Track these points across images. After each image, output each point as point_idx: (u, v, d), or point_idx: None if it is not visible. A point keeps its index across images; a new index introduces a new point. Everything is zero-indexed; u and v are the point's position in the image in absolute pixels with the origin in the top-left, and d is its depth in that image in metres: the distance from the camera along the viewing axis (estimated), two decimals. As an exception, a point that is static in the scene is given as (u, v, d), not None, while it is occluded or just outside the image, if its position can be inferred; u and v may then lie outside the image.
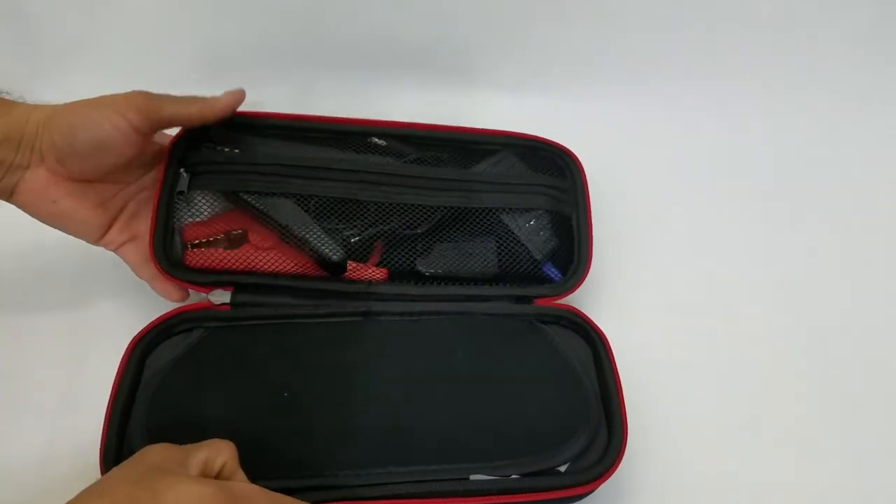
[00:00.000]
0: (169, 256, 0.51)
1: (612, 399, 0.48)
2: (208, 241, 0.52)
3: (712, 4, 0.65)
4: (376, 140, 0.57)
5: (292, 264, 0.53)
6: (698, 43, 0.67)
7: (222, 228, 0.53)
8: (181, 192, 0.53)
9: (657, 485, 0.50)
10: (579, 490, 0.45)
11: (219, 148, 0.54)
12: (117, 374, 0.47)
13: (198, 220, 0.53)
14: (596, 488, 0.45)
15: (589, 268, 0.54)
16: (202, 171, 0.53)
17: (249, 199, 0.53)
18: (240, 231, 0.53)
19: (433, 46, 0.67)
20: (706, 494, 0.50)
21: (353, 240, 0.53)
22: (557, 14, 0.66)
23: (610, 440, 0.46)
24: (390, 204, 0.54)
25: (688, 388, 0.55)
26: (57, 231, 0.50)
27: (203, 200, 0.53)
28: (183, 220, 0.53)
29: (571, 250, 0.56)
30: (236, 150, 0.54)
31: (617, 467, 0.45)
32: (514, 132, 0.59)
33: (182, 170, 0.53)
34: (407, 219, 0.54)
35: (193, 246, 0.52)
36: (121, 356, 0.47)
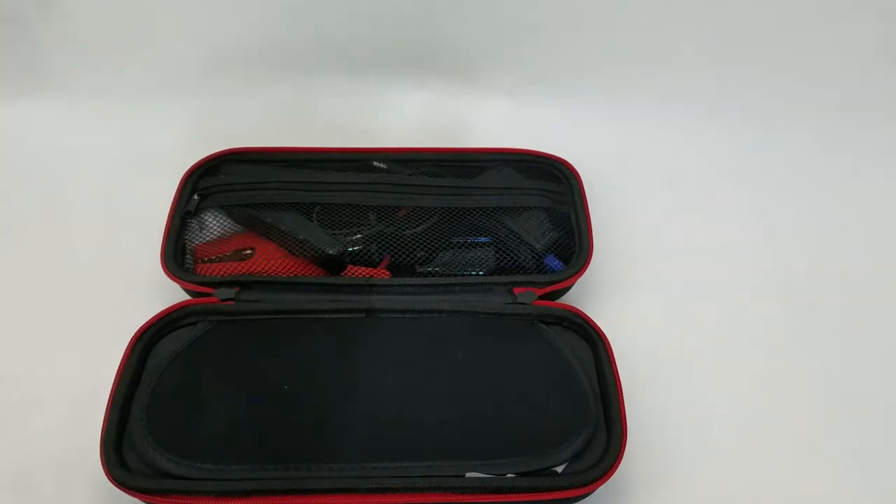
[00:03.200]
0: (178, 267, 0.54)
1: (612, 400, 0.47)
2: (218, 258, 0.55)
3: (713, 14, 0.65)
4: (377, 164, 0.61)
5: (297, 270, 0.55)
6: (696, 51, 0.68)
7: (231, 247, 0.56)
8: (189, 212, 0.57)
9: (657, 486, 0.49)
10: (578, 491, 0.44)
11: (228, 174, 0.59)
12: (120, 365, 0.48)
13: (208, 240, 0.56)
14: (595, 489, 0.45)
15: (591, 255, 0.55)
16: (212, 193, 0.58)
17: (255, 213, 0.56)
18: (249, 250, 0.55)
19: (433, 48, 0.68)
20: (706, 495, 0.49)
21: (355, 237, 0.55)
22: (557, 20, 0.67)
23: (609, 441, 0.45)
24: (390, 206, 0.57)
25: (688, 389, 0.53)
26: (63, 227, 0.51)
27: (213, 220, 0.57)
28: (195, 240, 0.56)
29: (572, 240, 0.57)
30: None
31: (616, 468, 0.44)
32: (509, 148, 0.63)
33: (194, 195, 0.58)
34: (405, 218, 0.56)
35: (203, 262, 0.55)
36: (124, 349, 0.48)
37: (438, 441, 0.45)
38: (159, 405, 0.46)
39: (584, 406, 0.47)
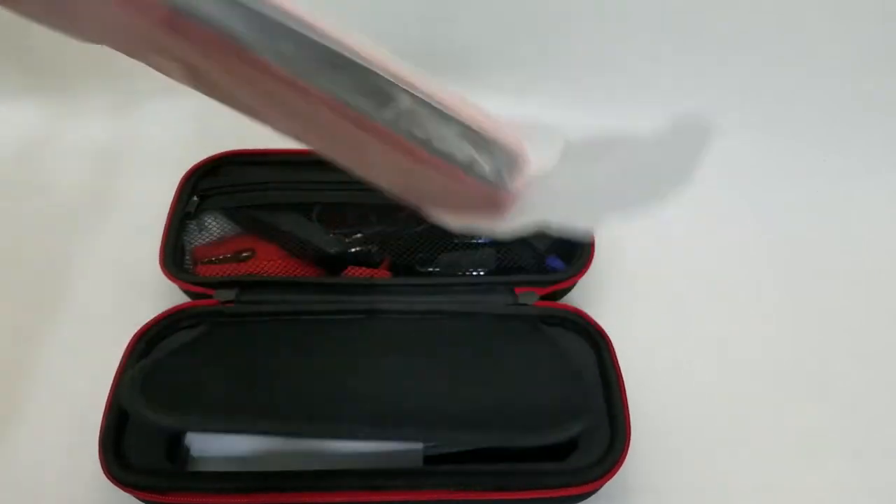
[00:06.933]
0: (178, 268, 0.54)
1: (616, 399, 0.47)
2: (218, 259, 0.55)
3: (714, 14, 0.66)
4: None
5: (297, 271, 0.54)
6: (697, 52, 0.68)
7: (231, 249, 0.56)
8: (188, 214, 0.56)
9: (660, 485, 0.49)
10: (582, 489, 0.44)
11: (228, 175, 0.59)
12: (119, 366, 0.47)
13: (208, 241, 0.56)
14: (599, 487, 0.44)
15: (593, 255, 0.55)
16: (212, 195, 0.58)
17: (254, 214, 0.56)
18: (248, 252, 0.56)
19: (433, 49, 0.68)
20: (709, 494, 0.49)
21: (356, 236, 0.55)
22: (557, 21, 0.67)
23: (613, 439, 0.45)
24: (390, 205, 0.56)
25: (691, 387, 0.53)
26: (62, 228, 0.50)
27: (212, 222, 0.57)
28: (194, 241, 0.56)
29: (573, 240, 0.56)
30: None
31: (620, 466, 0.44)
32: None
33: (194, 196, 0.57)
34: (406, 219, 0.55)
35: (203, 263, 0.55)
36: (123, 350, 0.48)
37: (435, 415, 0.44)
38: (154, 380, 0.44)
39: (585, 397, 0.46)
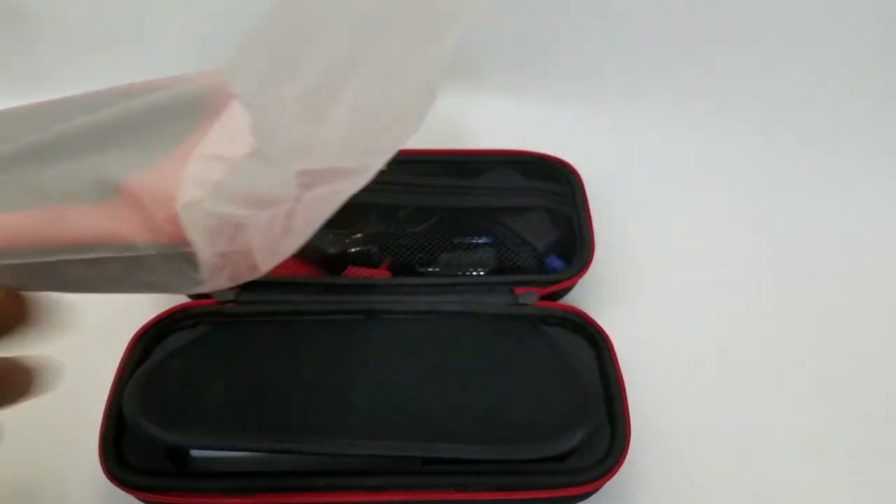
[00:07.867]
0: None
1: (616, 400, 0.47)
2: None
3: (716, 14, 0.66)
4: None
5: (297, 270, 0.54)
6: (697, 52, 0.68)
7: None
8: None
9: (660, 485, 0.49)
10: (583, 489, 0.43)
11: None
12: (119, 366, 0.47)
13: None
14: (599, 487, 0.44)
15: (593, 255, 0.55)
16: None
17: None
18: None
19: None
20: (709, 494, 0.49)
21: (356, 236, 0.55)
22: (558, 20, 0.67)
23: (613, 439, 0.45)
24: (389, 205, 0.57)
25: (691, 387, 0.53)
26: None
27: None
28: None
29: (573, 241, 0.56)
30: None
31: (620, 466, 0.44)
32: (509, 150, 0.62)
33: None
34: (406, 218, 0.56)
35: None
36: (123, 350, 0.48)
37: (437, 424, 0.45)
38: (154, 388, 0.45)
39: (585, 402, 0.46)
